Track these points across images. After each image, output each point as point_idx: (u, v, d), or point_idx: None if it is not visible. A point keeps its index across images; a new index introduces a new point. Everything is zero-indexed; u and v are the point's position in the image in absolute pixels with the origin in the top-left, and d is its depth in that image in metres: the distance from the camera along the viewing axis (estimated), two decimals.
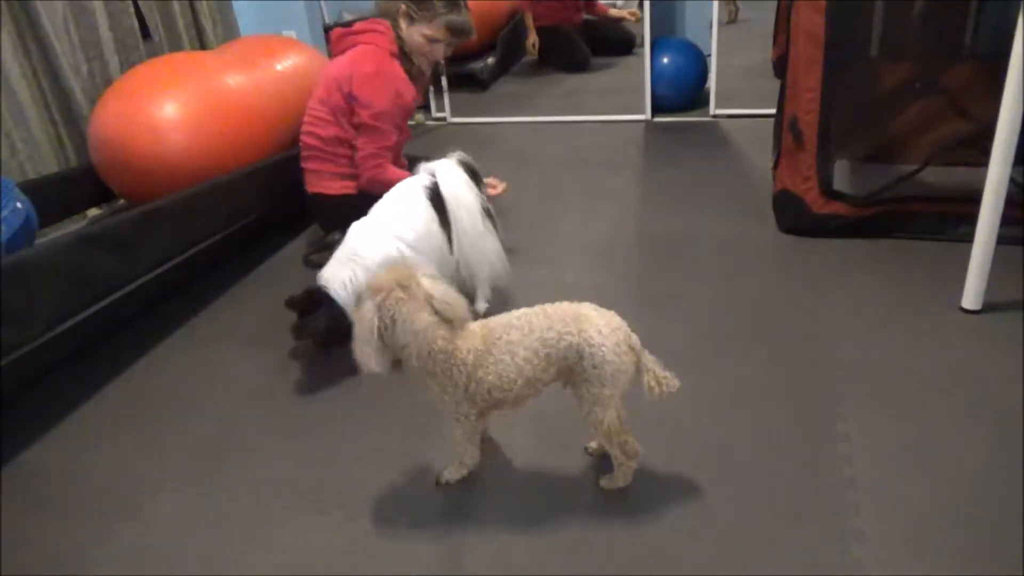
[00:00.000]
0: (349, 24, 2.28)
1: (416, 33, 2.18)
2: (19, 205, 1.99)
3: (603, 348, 1.24)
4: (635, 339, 1.29)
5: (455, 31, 2.19)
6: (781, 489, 1.37)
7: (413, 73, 2.25)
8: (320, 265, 1.84)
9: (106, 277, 1.91)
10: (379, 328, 1.23)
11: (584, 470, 1.44)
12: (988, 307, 1.83)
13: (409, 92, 2.23)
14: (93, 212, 2.77)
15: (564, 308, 1.31)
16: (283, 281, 2.37)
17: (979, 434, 1.46)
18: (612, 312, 1.31)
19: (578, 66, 4.76)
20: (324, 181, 2.33)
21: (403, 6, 2.17)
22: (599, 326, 1.26)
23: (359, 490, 1.46)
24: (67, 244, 1.80)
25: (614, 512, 1.34)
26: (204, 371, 1.94)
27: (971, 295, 1.83)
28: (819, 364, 1.71)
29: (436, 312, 1.24)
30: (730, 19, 5.03)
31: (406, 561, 1.29)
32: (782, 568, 1.21)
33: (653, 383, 1.28)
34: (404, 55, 2.22)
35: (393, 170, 2.22)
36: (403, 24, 2.19)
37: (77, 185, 2.55)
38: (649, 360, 1.30)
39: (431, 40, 2.18)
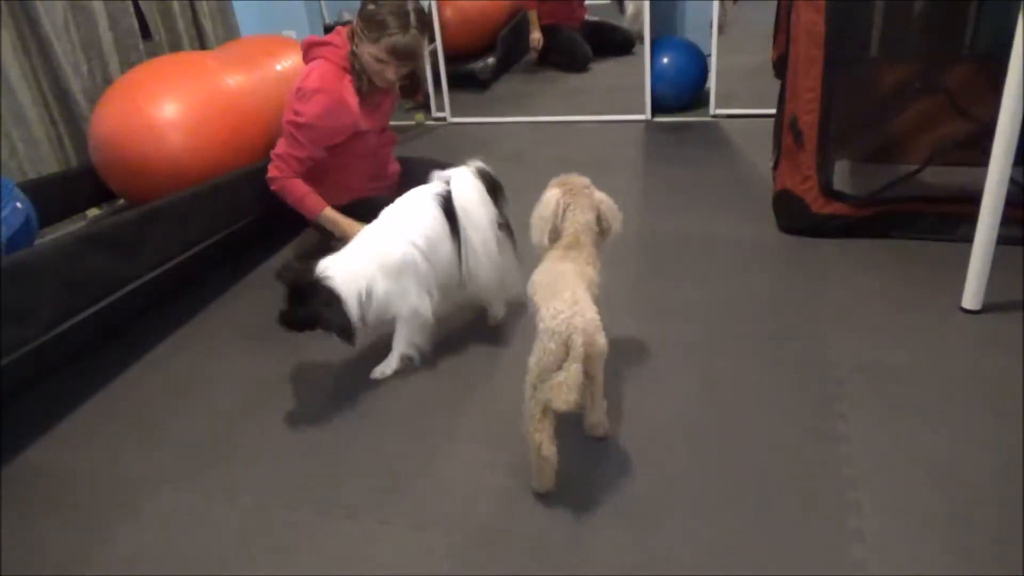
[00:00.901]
0: (329, 29, 2.21)
1: (364, 52, 2.10)
2: (19, 205, 1.99)
3: (543, 322, 1.32)
4: (576, 342, 1.26)
5: (398, 54, 2.09)
6: (781, 489, 1.37)
7: (362, 91, 2.17)
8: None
9: (106, 277, 1.91)
10: (559, 208, 1.52)
11: (583, 471, 1.44)
12: (988, 307, 1.83)
13: (348, 115, 2.16)
14: (93, 212, 2.77)
15: (564, 277, 1.41)
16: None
17: (979, 434, 1.46)
18: (584, 307, 1.32)
19: (578, 66, 4.76)
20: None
21: (355, 21, 2.11)
22: (555, 305, 1.31)
23: (359, 490, 1.46)
24: (67, 244, 1.81)
25: (614, 512, 1.34)
26: (204, 371, 1.94)
27: (971, 295, 1.83)
28: (819, 364, 1.71)
29: (600, 218, 1.54)
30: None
31: (407, 561, 1.29)
32: (782, 568, 1.21)
33: (550, 394, 1.24)
34: (356, 72, 2.15)
35: (298, 184, 2.17)
36: (356, 40, 2.12)
37: (77, 185, 2.55)
38: (571, 373, 1.24)
39: (378, 60, 2.10)
